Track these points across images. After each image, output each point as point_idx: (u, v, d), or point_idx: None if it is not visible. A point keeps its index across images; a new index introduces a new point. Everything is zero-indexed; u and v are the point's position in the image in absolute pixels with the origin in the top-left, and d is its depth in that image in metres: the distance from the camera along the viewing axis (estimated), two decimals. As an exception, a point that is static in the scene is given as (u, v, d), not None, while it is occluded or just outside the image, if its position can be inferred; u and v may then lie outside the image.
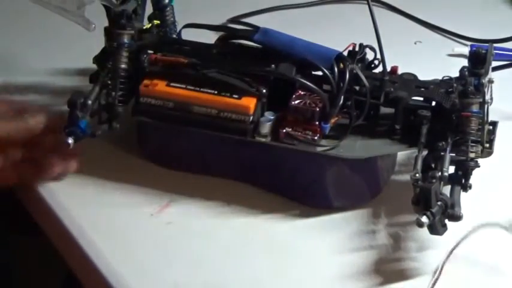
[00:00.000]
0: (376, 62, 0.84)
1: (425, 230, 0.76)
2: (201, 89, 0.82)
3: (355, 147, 0.81)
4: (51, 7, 0.87)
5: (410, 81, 0.84)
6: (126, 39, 0.84)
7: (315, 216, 0.83)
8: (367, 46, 0.84)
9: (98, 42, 0.89)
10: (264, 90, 0.82)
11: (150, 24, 0.88)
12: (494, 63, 0.85)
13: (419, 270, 0.77)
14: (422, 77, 0.85)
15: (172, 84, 0.83)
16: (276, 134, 0.81)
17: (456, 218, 0.74)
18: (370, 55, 0.85)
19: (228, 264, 0.77)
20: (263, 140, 0.81)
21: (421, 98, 0.82)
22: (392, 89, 0.82)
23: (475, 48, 0.82)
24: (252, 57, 0.85)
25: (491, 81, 0.81)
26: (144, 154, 0.89)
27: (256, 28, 0.86)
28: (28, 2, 0.89)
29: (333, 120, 0.81)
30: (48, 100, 0.97)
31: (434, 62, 0.91)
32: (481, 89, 0.77)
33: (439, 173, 0.74)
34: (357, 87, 0.82)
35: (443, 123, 0.80)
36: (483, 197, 0.83)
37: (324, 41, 0.84)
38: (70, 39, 1.03)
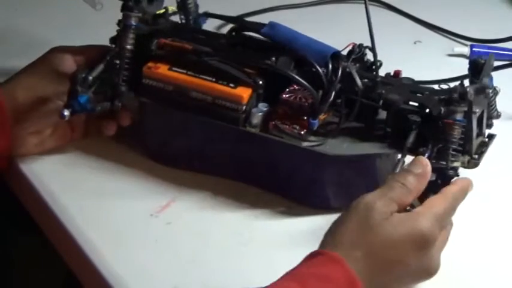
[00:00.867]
0: (378, 63, 0.84)
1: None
2: (200, 76, 0.84)
3: (343, 147, 0.81)
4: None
5: (407, 86, 0.83)
6: (133, 21, 0.86)
7: (314, 215, 0.84)
8: (367, 47, 0.84)
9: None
10: (261, 82, 0.83)
11: (164, 10, 0.91)
12: (494, 64, 0.83)
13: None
14: (422, 77, 0.84)
15: (174, 68, 0.85)
16: (266, 126, 0.82)
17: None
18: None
19: (227, 265, 0.78)
20: (252, 130, 0.82)
21: (415, 104, 0.81)
22: (383, 91, 0.81)
23: (474, 57, 0.80)
24: (256, 50, 0.86)
25: (487, 93, 0.80)
26: (145, 152, 0.90)
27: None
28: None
29: (322, 117, 0.81)
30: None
31: (434, 62, 0.90)
32: (465, 97, 0.75)
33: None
34: (356, 88, 0.82)
35: (432, 130, 0.79)
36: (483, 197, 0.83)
37: (323, 41, 0.85)
38: (96, 25, 1.06)
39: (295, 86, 0.82)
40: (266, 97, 0.84)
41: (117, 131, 0.90)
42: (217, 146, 0.86)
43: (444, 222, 0.72)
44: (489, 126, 0.84)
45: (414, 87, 0.83)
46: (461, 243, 0.79)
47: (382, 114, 0.84)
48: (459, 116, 0.76)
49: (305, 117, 0.81)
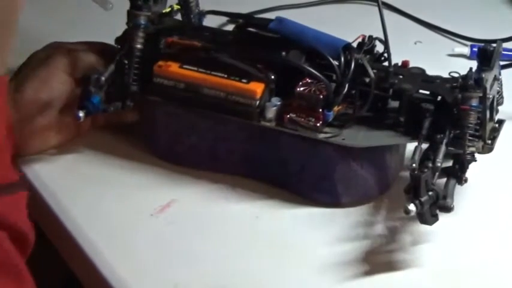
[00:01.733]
0: (386, 55, 0.85)
1: (423, 225, 0.77)
2: (212, 72, 0.85)
3: (358, 137, 0.82)
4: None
5: (417, 75, 0.85)
6: (142, 20, 0.86)
7: (319, 212, 0.84)
8: (376, 38, 0.85)
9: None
10: (272, 76, 0.83)
11: (170, 8, 0.91)
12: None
13: (409, 262, 0.78)
14: (422, 77, 0.85)
15: (184, 66, 0.85)
16: (281, 120, 0.83)
17: (447, 209, 0.75)
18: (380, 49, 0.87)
19: (228, 264, 0.78)
20: (267, 124, 0.83)
21: (427, 92, 0.83)
22: (396, 81, 0.83)
23: (483, 45, 0.82)
24: (265, 45, 0.87)
25: (497, 79, 0.81)
26: (151, 150, 0.90)
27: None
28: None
29: (336, 109, 0.82)
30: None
31: (434, 62, 0.92)
32: (481, 83, 0.77)
33: (432, 164, 0.75)
34: (367, 79, 0.83)
35: (446, 117, 0.80)
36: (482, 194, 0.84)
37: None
38: (107, 23, 1.04)
39: (307, 80, 0.83)
40: (277, 92, 0.84)
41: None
42: (229, 143, 0.87)
43: None
44: (496, 112, 0.85)
45: (424, 76, 0.85)
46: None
47: (392, 104, 0.85)
48: (474, 102, 0.78)
49: (320, 110, 0.82)
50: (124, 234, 0.81)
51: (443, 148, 0.77)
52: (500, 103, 0.86)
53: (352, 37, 0.86)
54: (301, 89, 0.82)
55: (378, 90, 0.83)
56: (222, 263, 0.78)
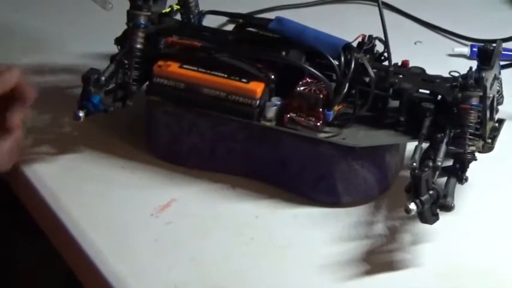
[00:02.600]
0: (386, 54, 0.85)
1: (423, 224, 0.77)
2: (212, 72, 0.85)
3: (358, 137, 0.82)
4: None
5: (417, 75, 0.85)
6: (142, 20, 0.87)
7: (318, 212, 0.84)
8: (376, 38, 0.85)
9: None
10: (273, 76, 0.83)
11: (170, 9, 0.91)
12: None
13: (409, 262, 0.78)
14: (422, 77, 0.85)
15: (184, 66, 0.86)
16: (281, 120, 0.83)
17: (447, 208, 0.75)
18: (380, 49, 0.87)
19: (228, 264, 0.78)
20: (268, 124, 0.83)
21: (427, 91, 0.83)
22: (396, 81, 0.83)
23: (483, 45, 0.82)
24: (265, 45, 0.87)
25: (497, 78, 0.81)
26: (151, 150, 0.90)
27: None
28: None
29: (336, 108, 0.82)
30: (79, 82, 1.00)
31: (434, 62, 0.92)
32: (481, 82, 0.77)
33: (432, 163, 0.75)
34: (367, 79, 0.83)
35: (446, 116, 0.80)
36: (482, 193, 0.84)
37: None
38: (107, 23, 1.04)
39: (308, 79, 0.83)
40: (277, 91, 0.84)
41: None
42: (229, 143, 0.87)
43: None
44: (496, 111, 0.85)
45: (424, 75, 0.85)
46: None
47: (392, 103, 0.85)
48: (475, 101, 0.78)
49: (320, 109, 0.82)
50: (124, 234, 0.81)
51: (443, 147, 0.77)
52: (500, 102, 0.86)
53: (352, 37, 0.86)
54: (302, 88, 0.82)
55: (378, 89, 0.83)
56: (222, 263, 0.78)
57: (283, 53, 0.85)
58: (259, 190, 0.86)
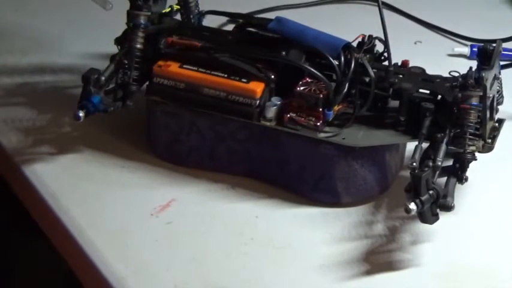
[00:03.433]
0: (386, 54, 0.85)
1: (423, 224, 0.77)
2: (212, 72, 0.85)
3: (358, 137, 0.82)
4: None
5: (417, 75, 0.85)
6: (142, 20, 0.87)
7: (320, 212, 0.84)
8: (376, 38, 0.85)
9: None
10: (273, 76, 0.84)
11: (170, 9, 0.91)
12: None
13: (409, 262, 0.78)
14: (422, 77, 0.85)
15: (184, 66, 0.86)
16: (281, 120, 0.83)
17: (447, 208, 0.75)
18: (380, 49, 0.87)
19: (228, 264, 0.78)
20: (267, 124, 0.83)
21: (427, 91, 0.83)
22: (396, 80, 0.83)
23: (483, 45, 0.82)
24: (264, 45, 0.87)
25: (497, 78, 0.81)
26: (151, 150, 0.91)
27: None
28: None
29: (336, 108, 0.82)
30: (79, 82, 1.01)
31: (434, 62, 0.92)
32: (481, 82, 0.77)
33: (432, 163, 0.75)
34: (367, 79, 0.83)
35: (446, 116, 0.80)
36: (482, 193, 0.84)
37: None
38: (107, 23, 1.04)
39: (308, 79, 0.83)
40: (277, 91, 0.84)
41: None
42: (229, 143, 0.87)
43: None
44: (496, 111, 0.85)
45: (424, 75, 0.85)
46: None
47: (392, 103, 0.85)
48: (475, 101, 0.78)
49: (320, 109, 0.82)
50: (124, 234, 0.81)
51: (443, 147, 0.77)
52: (500, 102, 0.86)
53: (352, 37, 0.86)
54: (301, 88, 0.82)
55: (378, 89, 0.83)
56: (222, 263, 0.78)
57: (283, 53, 0.85)
58: (259, 190, 0.86)
